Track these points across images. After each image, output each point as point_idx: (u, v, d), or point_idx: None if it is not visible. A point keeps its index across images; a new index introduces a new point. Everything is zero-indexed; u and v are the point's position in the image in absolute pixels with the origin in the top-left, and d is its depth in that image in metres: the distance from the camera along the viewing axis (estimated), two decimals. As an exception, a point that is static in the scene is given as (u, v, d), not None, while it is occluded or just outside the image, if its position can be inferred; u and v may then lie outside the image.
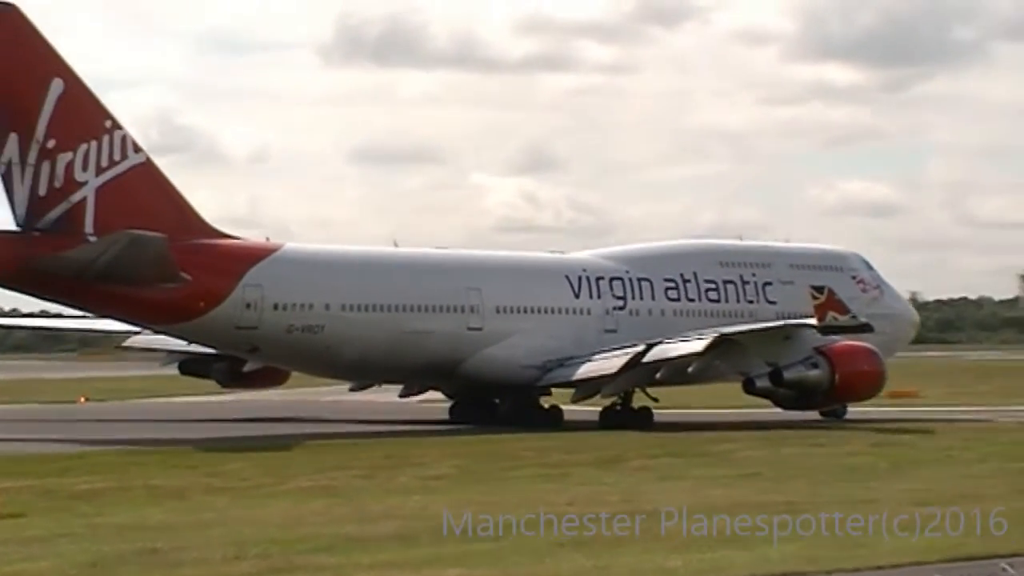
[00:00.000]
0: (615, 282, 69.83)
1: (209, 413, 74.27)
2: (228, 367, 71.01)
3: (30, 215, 56.90)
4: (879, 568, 24.44)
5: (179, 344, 68.88)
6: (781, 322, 65.31)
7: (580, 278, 69.23)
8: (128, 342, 74.57)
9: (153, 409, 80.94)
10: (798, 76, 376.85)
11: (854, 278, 74.93)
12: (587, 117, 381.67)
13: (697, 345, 63.43)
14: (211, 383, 74.40)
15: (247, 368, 70.54)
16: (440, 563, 24.49)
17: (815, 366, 63.36)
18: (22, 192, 56.75)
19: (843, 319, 60.96)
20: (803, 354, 63.69)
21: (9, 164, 56.45)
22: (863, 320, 62.49)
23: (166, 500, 34.22)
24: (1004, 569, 19.39)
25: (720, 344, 63.19)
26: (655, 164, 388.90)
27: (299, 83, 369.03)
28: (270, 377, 72.99)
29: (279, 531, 28.16)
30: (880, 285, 76.59)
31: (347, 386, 76.07)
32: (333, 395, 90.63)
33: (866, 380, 64.57)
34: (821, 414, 67.14)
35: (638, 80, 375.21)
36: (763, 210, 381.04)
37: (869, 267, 77.35)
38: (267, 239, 65.04)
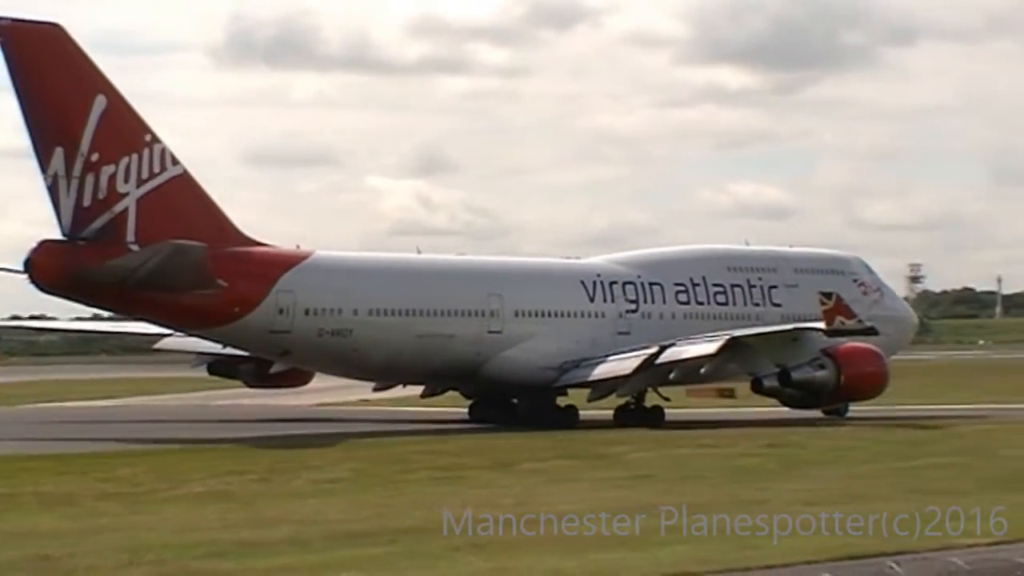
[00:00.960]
0: (628, 286, 72.64)
1: (104, 416, 75.74)
2: (255, 368, 73.66)
3: (75, 225, 59.55)
4: (769, 567, 24.62)
5: (208, 346, 71.57)
6: (791, 326, 68.24)
7: (595, 283, 72.03)
8: (159, 344, 77.19)
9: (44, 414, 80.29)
10: (690, 79, 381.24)
11: (856, 281, 77.68)
12: (482, 120, 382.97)
13: (710, 347, 66.32)
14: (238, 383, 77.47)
15: (274, 369, 73.21)
16: (335, 567, 24.46)
17: (822, 367, 66.41)
18: (68, 203, 59.38)
19: (850, 323, 63.95)
20: (810, 355, 66.72)
21: (55, 177, 59.11)
22: (869, 324, 65.46)
23: (57, 506, 33.54)
24: (891, 567, 19.30)
25: (731, 346, 66.09)
26: (550, 167, 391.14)
27: (191, 86, 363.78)
28: (295, 378, 75.70)
29: (173, 536, 27.93)
30: (880, 288, 79.46)
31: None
32: (227, 399, 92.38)
33: (871, 380, 67.62)
34: (824, 412, 69.95)
35: (532, 83, 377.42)
36: (657, 213, 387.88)
37: (870, 271, 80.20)
38: (297, 247, 67.76)
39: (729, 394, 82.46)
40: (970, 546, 26.30)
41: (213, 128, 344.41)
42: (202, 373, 78.13)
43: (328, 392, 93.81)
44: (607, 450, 48.86)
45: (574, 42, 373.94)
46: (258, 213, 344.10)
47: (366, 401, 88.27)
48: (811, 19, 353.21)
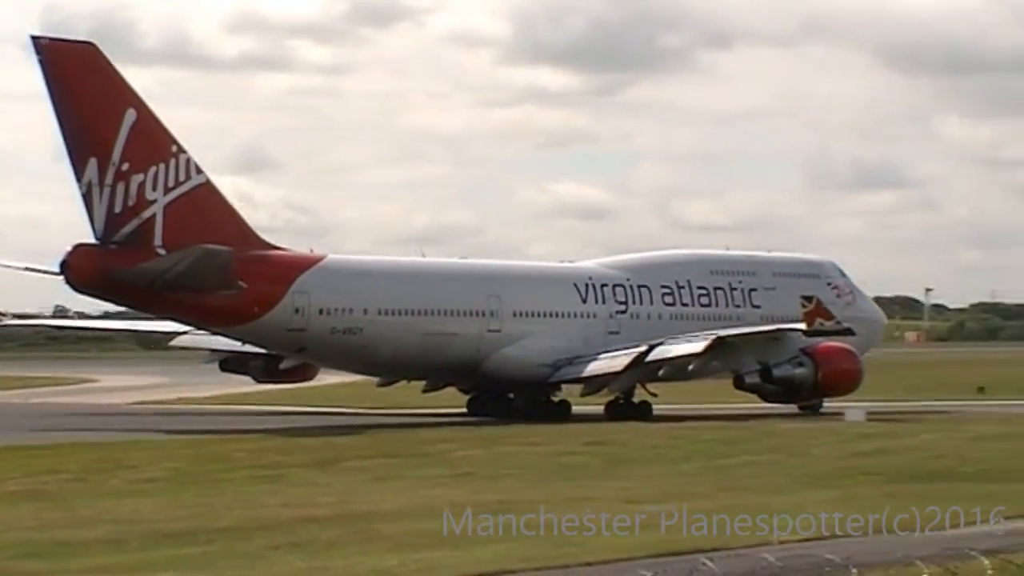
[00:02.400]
0: (618, 289, 77.21)
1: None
2: (264, 364, 77.81)
3: (107, 230, 63.71)
4: (589, 565, 25.02)
5: (221, 343, 75.85)
6: (773, 326, 72.99)
7: (587, 285, 76.61)
8: (175, 342, 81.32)
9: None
10: (512, 79, 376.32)
11: (829, 284, 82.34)
12: (304, 118, 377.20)
13: (697, 346, 71.01)
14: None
15: (283, 365, 77.41)
16: (151, 567, 24.36)
17: (801, 365, 71.28)
18: (101, 209, 63.53)
19: (828, 324, 68.80)
20: (790, 354, 71.58)
21: (89, 185, 63.27)
22: (846, 325, 70.29)
23: None
24: (704, 563, 19.65)
25: (717, 345, 70.75)
26: (372, 165, 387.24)
27: (6, 79, 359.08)
28: (301, 373, 79.88)
29: (-13, 535, 27.30)
30: (853, 291, 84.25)
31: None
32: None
33: (847, 377, 72.61)
34: (799, 408, 74.66)
35: (354, 81, 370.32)
36: (478, 212, 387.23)
37: (843, 274, 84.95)
38: (311, 250, 72.09)
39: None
40: (783, 542, 26.96)
41: (32, 122, 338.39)
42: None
43: (151, 391, 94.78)
44: (430, 448, 49.22)
45: (396, 41, 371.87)
46: (73, 209, 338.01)
47: (184, 399, 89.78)
48: (630, 21, 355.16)
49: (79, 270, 63.74)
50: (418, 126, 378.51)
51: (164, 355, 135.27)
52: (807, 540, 27.42)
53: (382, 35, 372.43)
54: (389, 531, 28.86)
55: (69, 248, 64.12)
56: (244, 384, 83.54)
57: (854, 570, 14.45)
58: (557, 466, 43.87)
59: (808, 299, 69.55)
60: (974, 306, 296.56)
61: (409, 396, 79.73)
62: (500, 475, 40.94)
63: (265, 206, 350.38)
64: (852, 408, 66.30)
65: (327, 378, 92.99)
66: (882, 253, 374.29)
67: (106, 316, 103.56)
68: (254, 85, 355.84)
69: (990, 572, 15.33)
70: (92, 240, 63.91)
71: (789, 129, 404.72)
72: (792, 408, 73.88)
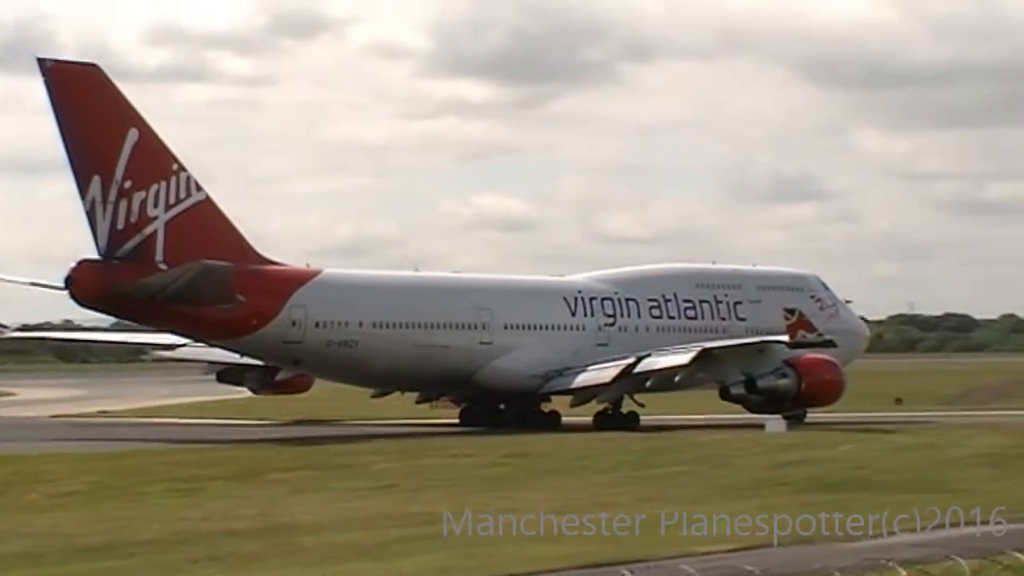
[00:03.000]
0: (606, 302, 79.29)
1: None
2: (260, 376, 79.91)
3: (110, 246, 65.67)
4: None
5: (218, 356, 77.82)
6: (758, 339, 74.99)
7: (576, 298, 78.66)
8: (173, 353, 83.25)
9: None
10: (434, 91, 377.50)
11: (813, 297, 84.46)
12: (225, 129, 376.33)
13: (683, 358, 73.01)
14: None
15: (279, 377, 79.35)
16: None
17: (784, 376, 73.31)
18: (104, 226, 65.50)
19: (811, 336, 70.89)
20: (774, 365, 73.56)
21: (93, 202, 65.23)
22: (828, 337, 72.35)
23: None
24: (624, 575, 19.63)
25: (703, 357, 72.75)
26: (295, 177, 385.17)
27: None
28: (297, 385, 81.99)
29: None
30: (836, 304, 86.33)
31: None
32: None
33: (829, 388, 74.69)
34: (784, 417, 76.41)
35: (276, 93, 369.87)
36: (401, 224, 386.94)
37: (826, 288, 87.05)
38: (307, 265, 74.06)
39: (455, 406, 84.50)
40: (705, 554, 27.09)
41: None
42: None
43: (70, 403, 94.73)
44: (351, 460, 49.01)
45: (317, 52, 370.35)
46: (9, 219, 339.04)
47: (104, 412, 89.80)
48: (552, 34, 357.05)
49: (83, 285, 65.64)
50: (340, 137, 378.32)
51: (81, 368, 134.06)
52: (727, 551, 27.57)
53: (303, 47, 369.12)
54: (310, 544, 28.78)
55: (73, 264, 66.06)
56: (180, 395, 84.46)
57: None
58: (480, 478, 43.83)
59: (791, 312, 71.68)
60: (892, 318, 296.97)
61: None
62: (423, 487, 40.87)
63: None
64: (772, 419, 67.57)
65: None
66: (802, 264, 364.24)
67: (109, 329, 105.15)
68: (174, 97, 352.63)
69: None
70: (95, 256, 65.86)
71: (709, 142, 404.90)
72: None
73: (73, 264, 66.10)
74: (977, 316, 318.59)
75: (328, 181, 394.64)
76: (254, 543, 28.70)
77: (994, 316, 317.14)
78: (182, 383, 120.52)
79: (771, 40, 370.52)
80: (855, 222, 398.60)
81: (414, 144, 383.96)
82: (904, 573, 15.04)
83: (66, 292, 66.11)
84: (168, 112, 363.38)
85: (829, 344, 72.22)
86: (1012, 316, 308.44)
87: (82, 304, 67.24)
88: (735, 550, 27.64)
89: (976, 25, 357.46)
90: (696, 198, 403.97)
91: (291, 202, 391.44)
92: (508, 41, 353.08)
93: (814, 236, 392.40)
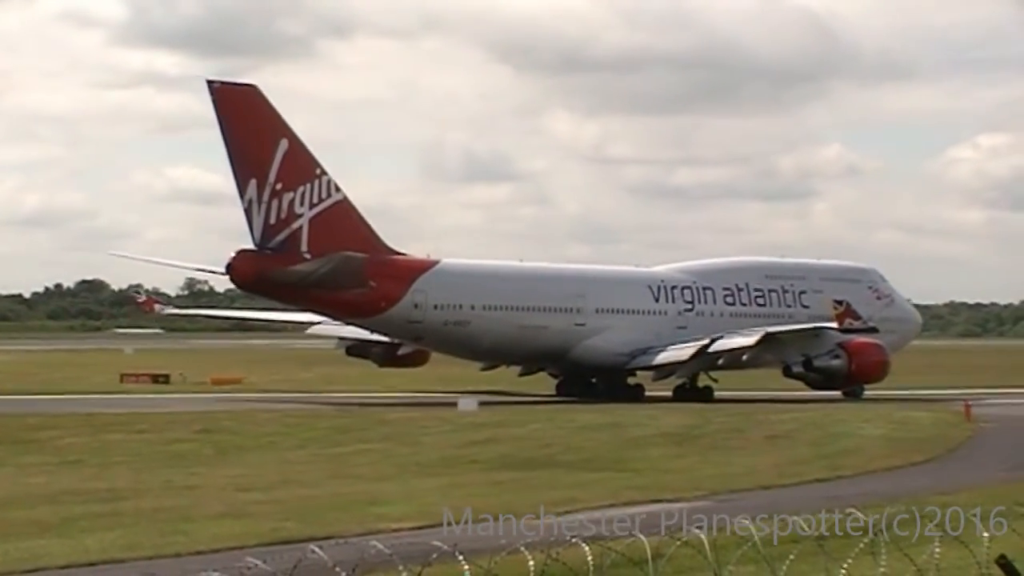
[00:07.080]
0: (685, 290, 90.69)
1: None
2: (384, 350, 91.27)
3: (263, 238, 77.83)
4: (199, 553, 24.69)
5: (348, 332, 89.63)
6: (812, 325, 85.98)
7: (659, 287, 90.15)
8: (311, 330, 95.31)
9: None
10: (128, 61, 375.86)
11: (871, 288, 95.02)
12: None
13: (750, 340, 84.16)
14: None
15: (401, 352, 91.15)
16: None
17: (837, 357, 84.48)
18: (258, 221, 77.64)
19: (857, 323, 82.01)
20: (828, 348, 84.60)
21: (250, 201, 77.45)
22: (871, 324, 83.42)
23: None
24: (313, 551, 18.66)
25: (767, 340, 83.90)
26: None
27: None
28: (417, 359, 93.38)
29: None
30: (892, 294, 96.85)
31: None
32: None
33: (875, 368, 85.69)
34: (843, 394, 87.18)
35: None
36: (92, 195, 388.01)
37: (883, 279, 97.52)
38: (427, 255, 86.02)
39: (164, 380, 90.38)
40: (394, 531, 27.29)
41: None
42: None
43: None
44: (36, 435, 47.87)
45: (4, 17, 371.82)
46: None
47: None
48: (250, 8, 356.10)
49: (240, 271, 77.91)
50: (29, 106, 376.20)
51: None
52: (415, 528, 27.80)
53: None
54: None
55: (233, 253, 78.36)
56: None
57: (460, 557, 15.39)
58: (167, 454, 43.64)
59: (839, 303, 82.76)
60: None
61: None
62: (108, 463, 40.46)
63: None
64: (464, 398, 69.26)
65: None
66: (495, 244, 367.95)
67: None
68: None
69: (590, 558, 16.57)
70: (251, 246, 78.06)
71: (405, 120, 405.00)
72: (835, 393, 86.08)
73: (232, 253, 78.43)
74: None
75: (16, 150, 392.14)
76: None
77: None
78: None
79: (469, 22, 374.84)
80: (549, 204, 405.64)
81: (107, 114, 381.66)
82: (588, 549, 16.19)
83: (226, 276, 78.66)
84: None
85: (872, 330, 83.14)
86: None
87: (239, 287, 79.74)
88: (424, 527, 27.85)
89: (665, 15, 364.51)
90: (391, 176, 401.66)
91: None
92: (204, 13, 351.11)
93: (509, 217, 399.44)
